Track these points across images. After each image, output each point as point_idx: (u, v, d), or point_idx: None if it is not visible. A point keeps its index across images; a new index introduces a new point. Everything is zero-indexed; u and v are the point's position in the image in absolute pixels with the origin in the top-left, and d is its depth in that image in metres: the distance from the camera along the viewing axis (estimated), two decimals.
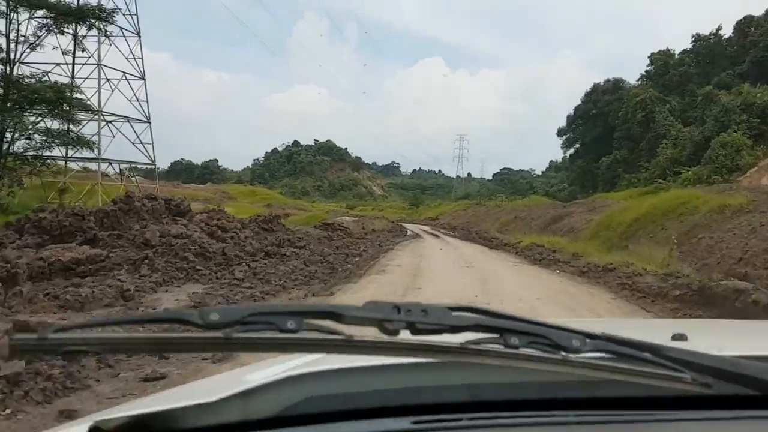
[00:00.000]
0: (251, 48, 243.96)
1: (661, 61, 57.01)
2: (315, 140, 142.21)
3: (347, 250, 18.74)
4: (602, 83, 70.64)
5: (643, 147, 50.12)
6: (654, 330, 1.84)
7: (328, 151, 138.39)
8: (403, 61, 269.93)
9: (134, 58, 36.48)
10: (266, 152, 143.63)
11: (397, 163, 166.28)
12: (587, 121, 69.77)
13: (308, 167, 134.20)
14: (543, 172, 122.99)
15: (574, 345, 0.89)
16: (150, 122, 37.62)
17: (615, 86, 69.78)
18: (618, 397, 1.00)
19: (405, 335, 0.84)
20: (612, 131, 67.11)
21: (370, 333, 0.84)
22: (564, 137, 72.45)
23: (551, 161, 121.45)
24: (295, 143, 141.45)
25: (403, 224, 50.65)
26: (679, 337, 1.31)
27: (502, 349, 0.87)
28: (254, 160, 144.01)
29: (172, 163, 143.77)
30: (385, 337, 0.83)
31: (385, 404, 1.00)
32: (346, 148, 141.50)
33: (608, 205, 35.80)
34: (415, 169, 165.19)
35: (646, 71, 60.17)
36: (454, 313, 0.88)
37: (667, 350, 0.97)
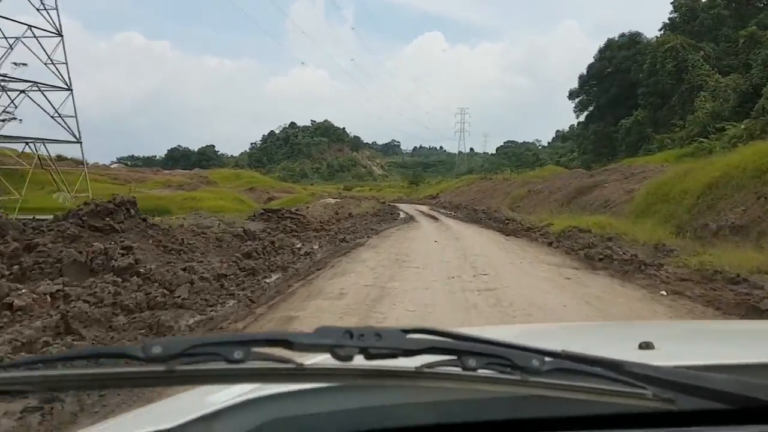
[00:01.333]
0: (250, 33, 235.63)
1: (687, 6, 47.74)
2: (312, 121, 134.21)
3: (256, 262, 10.08)
4: (617, 38, 61.38)
5: (675, 102, 41.12)
6: (622, 337, 1.73)
7: (325, 132, 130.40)
8: (401, 37, 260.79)
9: (45, 8, 27.61)
10: (263, 135, 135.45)
11: (398, 142, 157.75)
12: (602, 80, 60.78)
13: (306, 149, 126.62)
14: (549, 142, 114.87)
15: (533, 365, 0.85)
16: (71, 90, 28.71)
17: (631, 41, 60.74)
18: (581, 415, 0.96)
19: (359, 360, 0.80)
20: (631, 90, 58.46)
21: (323, 359, 0.83)
22: (576, 100, 63.38)
23: (557, 131, 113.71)
24: (292, 125, 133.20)
25: (397, 205, 42.09)
26: (646, 345, 1.25)
27: (460, 372, 0.84)
28: (251, 144, 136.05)
29: (168, 150, 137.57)
30: (337, 364, 0.80)
31: (351, 426, 0.97)
32: (344, 128, 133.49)
33: (647, 171, 27.04)
34: (416, 147, 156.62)
35: (669, 19, 50.94)
36: (409, 336, 0.84)
37: (628, 366, 0.92)
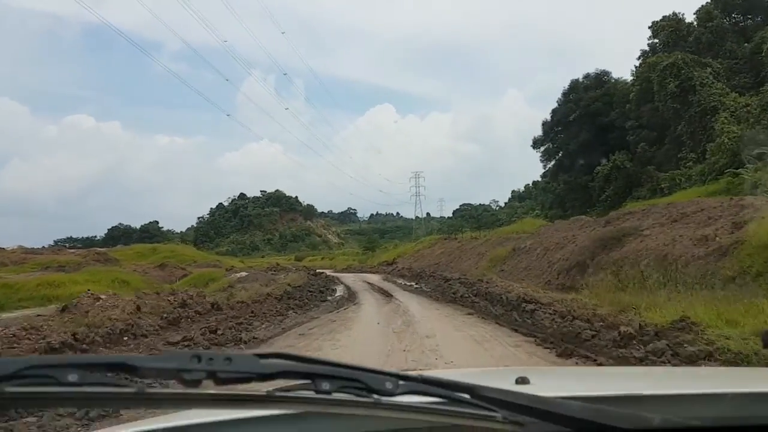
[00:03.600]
0: (203, 111, 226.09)
1: (671, 27, 39.04)
2: (262, 191, 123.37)
3: None
4: (581, 79, 52.75)
5: (682, 131, 31.49)
6: (502, 376, 1.61)
7: (277, 202, 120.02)
8: (354, 110, 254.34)
9: None
10: (211, 209, 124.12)
11: (354, 209, 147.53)
12: (569, 125, 51.76)
13: (256, 220, 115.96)
14: (506, 203, 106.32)
15: (387, 387, 0.83)
16: None
17: (598, 80, 52.19)
18: None
19: (209, 385, 0.75)
20: (604, 133, 49.63)
21: (171, 385, 0.76)
22: (542, 149, 54.02)
23: (513, 191, 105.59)
24: (242, 196, 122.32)
25: (341, 276, 31.15)
26: (522, 380, 1.23)
27: (313, 395, 0.80)
28: (198, 218, 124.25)
29: (109, 229, 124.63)
30: (184, 389, 0.74)
31: None
32: (296, 197, 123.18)
33: (712, 207, 16.95)
34: (372, 214, 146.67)
35: (649, 46, 42.20)
36: (263, 361, 0.80)
37: (482, 390, 0.90)
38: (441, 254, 38.82)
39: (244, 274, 24.59)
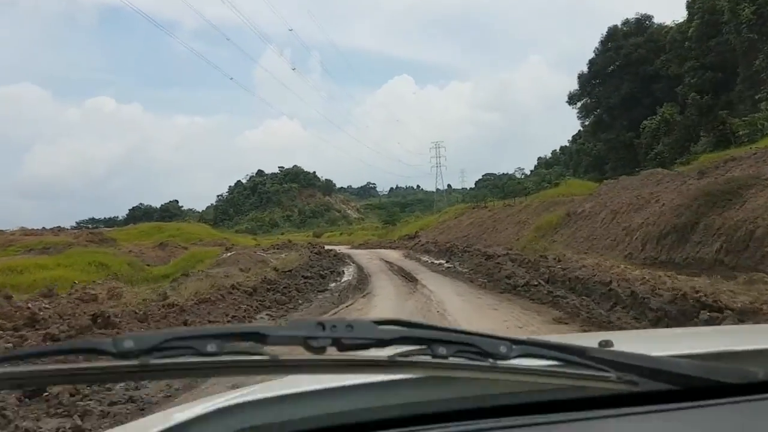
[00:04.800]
0: (222, 90, 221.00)
1: None
2: (280, 167, 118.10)
3: None
4: (620, 25, 46.15)
5: (762, 66, 25.12)
6: (582, 339, 1.60)
7: (295, 178, 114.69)
8: (372, 83, 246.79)
9: None
10: (230, 186, 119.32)
11: (373, 184, 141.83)
12: (609, 77, 45.31)
13: (275, 197, 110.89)
14: (532, 170, 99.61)
15: (501, 351, 0.84)
16: None
17: (639, 26, 45.63)
18: (550, 400, 0.93)
19: (332, 352, 0.78)
20: (649, 84, 43.09)
21: (297, 351, 0.78)
22: (578, 104, 47.72)
23: (539, 158, 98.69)
24: (260, 173, 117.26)
25: (354, 252, 25.61)
26: (605, 343, 1.18)
27: (431, 360, 0.81)
28: (218, 196, 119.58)
29: (130, 209, 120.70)
30: (311, 355, 0.77)
31: (321, 427, 0.91)
32: (314, 172, 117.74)
33: None
34: (392, 188, 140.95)
35: None
36: (380, 327, 0.81)
37: (592, 351, 0.92)
38: (470, 225, 33.11)
39: (228, 254, 19.10)
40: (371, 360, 0.79)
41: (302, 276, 13.35)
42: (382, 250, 28.35)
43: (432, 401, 0.93)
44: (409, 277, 13.97)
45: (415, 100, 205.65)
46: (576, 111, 47.82)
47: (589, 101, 47.16)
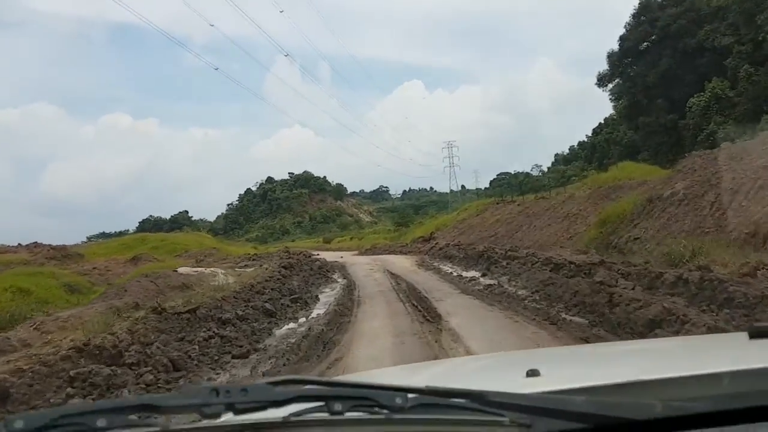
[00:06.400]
0: (234, 102, 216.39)
1: None
2: (290, 173, 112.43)
3: None
4: None
5: None
6: (513, 365, 1.58)
7: (305, 183, 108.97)
8: (382, 88, 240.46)
9: None
10: (239, 195, 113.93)
11: (386, 187, 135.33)
12: (643, 54, 38.58)
13: (285, 203, 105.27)
14: (549, 168, 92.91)
15: (398, 403, 0.81)
16: None
17: None
18: None
19: (228, 416, 0.76)
20: (692, 59, 36.51)
21: (193, 419, 0.76)
22: (609, 86, 40.94)
23: (557, 154, 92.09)
24: (269, 180, 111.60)
25: (351, 262, 19.14)
26: (532, 373, 1.18)
27: (327, 417, 0.80)
28: (228, 205, 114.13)
29: (140, 222, 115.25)
30: (206, 422, 0.75)
31: None
32: (324, 177, 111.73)
33: None
34: (405, 191, 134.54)
35: None
36: (276, 388, 0.80)
37: (488, 395, 0.88)
38: (497, 223, 26.48)
39: (189, 269, 12.72)
40: (266, 422, 0.76)
41: (220, 321, 6.83)
42: (390, 257, 21.80)
43: None
44: (426, 312, 7.46)
45: (425, 105, 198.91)
46: (607, 93, 40.79)
47: (621, 82, 40.31)
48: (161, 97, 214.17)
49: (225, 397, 0.74)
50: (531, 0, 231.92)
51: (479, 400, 0.86)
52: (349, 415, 0.79)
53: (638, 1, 39.63)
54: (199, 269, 14.39)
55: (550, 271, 9.04)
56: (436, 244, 23.58)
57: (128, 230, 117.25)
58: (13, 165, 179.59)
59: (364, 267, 16.63)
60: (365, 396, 0.81)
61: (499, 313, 7.28)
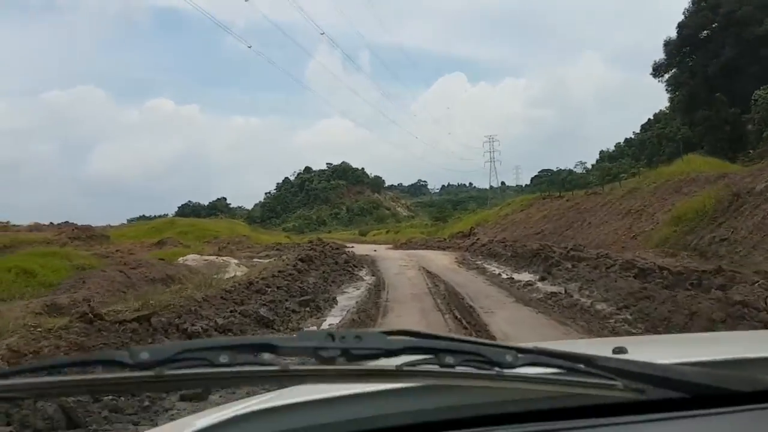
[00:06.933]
0: (276, 91, 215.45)
1: None
2: (328, 164, 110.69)
3: None
4: None
5: None
6: (596, 345, 1.72)
7: (343, 174, 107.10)
8: (424, 80, 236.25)
9: None
10: (277, 184, 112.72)
11: (424, 181, 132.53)
12: (704, 43, 35.48)
13: (323, 194, 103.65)
14: (593, 165, 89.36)
15: (507, 360, 0.81)
16: None
17: None
18: (557, 408, 0.90)
19: (342, 362, 0.77)
20: (756, 48, 33.48)
21: (307, 362, 0.77)
22: (666, 76, 37.86)
23: (602, 151, 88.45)
24: (307, 170, 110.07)
25: (384, 256, 17.05)
26: (619, 350, 1.15)
27: (438, 369, 0.79)
28: (266, 193, 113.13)
29: (179, 206, 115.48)
30: (321, 365, 0.76)
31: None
32: (362, 169, 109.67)
33: None
34: (444, 185, 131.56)
35: None
36: (389, 338, 0.80)
37: (599, 360, 0.88)
38: (543, 219, 24.16)
39: (196, 259, 10.89)
40: (379, 369, 0.77)
41: (185, 335, 4.82)
42: (427, 253, 19.69)
43: (439, 409, 0.90)
44: (473, 329, 5.48)
45: (467, 98, 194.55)
46: (663, 84, 37.73)
47: (678, 72, 37.19)
48: (204, 83, 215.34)
49: (340, 342, 0.74)
50: None
51: (588, 363, 0.85)
52: (459, 368, 0.78)
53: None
54: (211, 258, 12.57)
55: (634, 278, 6.88)
56: (477, 239, 21.34)
57: (167, 214, 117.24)
58: (60, 146, 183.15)
59: (397, 263, 14.60)
60: (475, 351, 0.80)
61: (577, 336, 5.17)
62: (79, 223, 35.48)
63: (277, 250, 16.38)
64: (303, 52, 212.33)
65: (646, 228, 14.79)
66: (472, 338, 0.95)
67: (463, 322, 5.99)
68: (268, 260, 12.91)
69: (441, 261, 15.37)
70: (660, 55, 38.50)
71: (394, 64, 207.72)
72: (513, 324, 5.86)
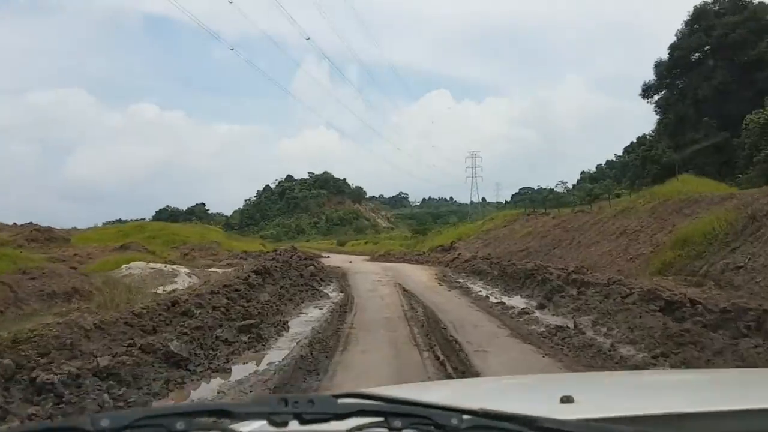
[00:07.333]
0: (261, 100, 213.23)
1: None
2: (309, 173, 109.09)
3: None
4: (710, 3, 35.37)
5: None
6: (545, 389, 1.59)
7: (324, 184, 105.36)
8: (408, 96, 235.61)
9: None
10: (258, 191, 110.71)
11: (405, 194, 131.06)
12: (696, 65, 34.71)
13: (303, 202, 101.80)
14: (574, 185, 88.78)
15: (453, 423, 0.83)
16: None
17: (734, 4, 34.77)
18: None
19: (294, 426, 0.78)
20: (748, 72, 32.84)
21: (260, 425, 0.81)
22: (655, 98, 36.97)
23: (583, 172, 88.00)
24: (288, 178, 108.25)
25: (361, 267, 15.49)
26: (567, 399, 1.16)
27: None
28: (245, 200, 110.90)
29: (156, 211, 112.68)
30: (274, 430, 0.77)
31: None
32: (344, 179, 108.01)
33: None
34: (424, 198, 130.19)
35: None
36: (340, 401, 0.82)
37: (540, 422, 0.88)
38: (528, 236, 22.78)
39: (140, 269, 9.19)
40: None
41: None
42: (405, 267, 18.13)
43: None
44: (460, 372, 3.79)
45: (451, 115, 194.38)
46: (653, 106, 36.84)
47: (668, 94, 36.29)
48: (188, 90, 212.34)
49: (293, 407, 0.76)
50: (563, 17, 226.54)
51: (531, 425, 0.86)
52: (406, 431, 0.80)
53: (693, 8, 35.67)
54: (158, 266, 10.88)
55: (660, 312, 5.41)
56: (459, 255, 19.84)
57: (145, 218, 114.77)
58: (39, 147, 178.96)
59: (371, 277, 13.05)
60: (423, 414, 0.81)
61: None
62: (55, 226, 33.45)
63: (242, 258, 14.69)
64: (290, 62, 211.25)
65: (645, 250, 13.41)
66: (421, 401, 0.83)
67: (447, 366, 4.45)
68: (227, 270, 11.26)
69: (419, 277, 13.83)
70: (642, 82, 37.76)
71: (381, 78, 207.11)
72: (512, 370, 4.34)
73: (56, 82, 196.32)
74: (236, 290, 7.38)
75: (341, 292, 10.06)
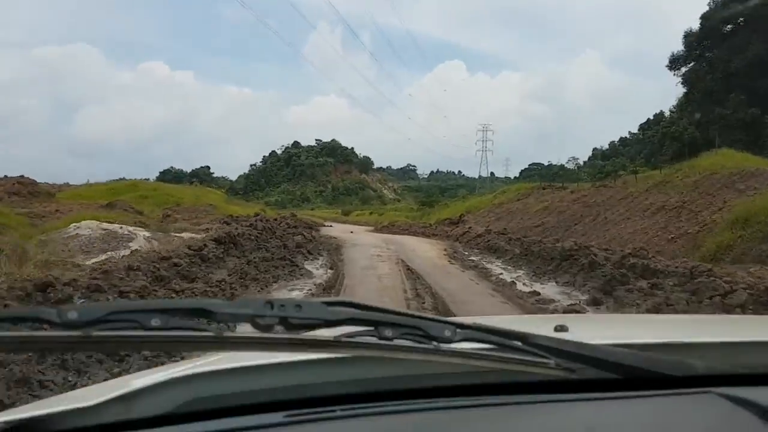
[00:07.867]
0: (272, 64, 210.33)
1: None
2: (317, 140, 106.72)
3: None
4: None
5: None
6: (541, 323, 1.60)
7: (331, 152, 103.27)
8: (421, 66, 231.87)
9: None
10: (264, 156, 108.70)
11: (414, 166, 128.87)
12: (729, 36, 32.28)
13: (309, 170, 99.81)
14: (585, 162, 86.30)
15: (446, 335, 0.82)
16: None
17: None
18: (490, 383, 0.92)
19: (279, 330, 0.74)
20: None
21: (244, 329, 0.75)
22: (682, 70, 34.52)
23: (595, 149, 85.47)
24: (295, 144, 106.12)
25: (364, 239, 13.47)
26: (561, 328, 1.16)
27: (376, 341, 0.79)
28: (251, 165, 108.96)
29: (160, 172, 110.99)
30: (258, 333, 0.73)
31: (267, 401, 0.89)
32: (352, 148, 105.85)
33: None
34: (433, 171, 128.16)
35: None
36: (330, 308, 0.78)
37: (534, 338, 0.89)
38: (544, 211, 20.76)
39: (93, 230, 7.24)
40: (317, 339, 0.75)
41: None
42: (410, 240, 16.18)
43: (375, 380, 0.91)
44: None
45: (464, 87, 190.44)
46: (679, 78, 34.37)
47: (697, 66, 33.82)
48: (201, 50, 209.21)
49: (279, 310, 0.72)
50: None
51: (524, 340, 0.86)
52: (397, 342, 0.78)
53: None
54: (113, 227, 8.97)
55: None
56: (470, 228, 17.85)
57: (148, 178, 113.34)
58: (49, 102, 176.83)
59: (370, 251, 11.13)
60: (415, 325, 0.79)
61: None
62: (49, 182, 31.74)
63: (225, 223, 12.79)
64: (305, 25, 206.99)
65: (690, 229, 11.42)
66: (413, 312, 0.81)
67: None
68: (200, 235, 9.33)
69: (426, 252, 11.89)
70: (661, 59, 35.42)
71: (396, 46, 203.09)
72: None
73: (66, 37, 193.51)
74: (175, 265, 5.52)
75: (330, 268, 8.16)
